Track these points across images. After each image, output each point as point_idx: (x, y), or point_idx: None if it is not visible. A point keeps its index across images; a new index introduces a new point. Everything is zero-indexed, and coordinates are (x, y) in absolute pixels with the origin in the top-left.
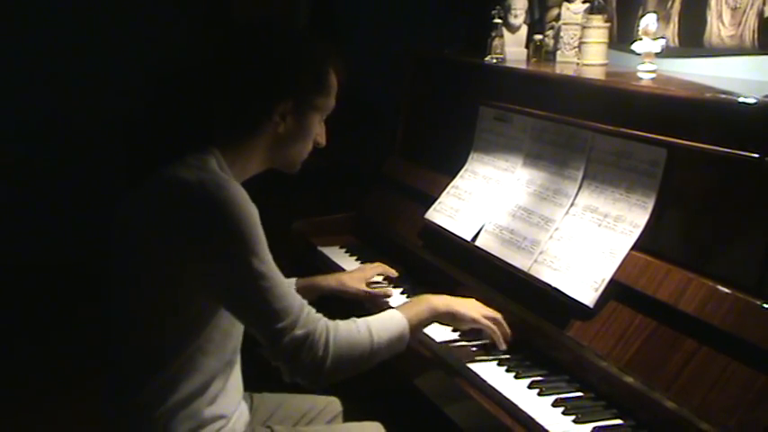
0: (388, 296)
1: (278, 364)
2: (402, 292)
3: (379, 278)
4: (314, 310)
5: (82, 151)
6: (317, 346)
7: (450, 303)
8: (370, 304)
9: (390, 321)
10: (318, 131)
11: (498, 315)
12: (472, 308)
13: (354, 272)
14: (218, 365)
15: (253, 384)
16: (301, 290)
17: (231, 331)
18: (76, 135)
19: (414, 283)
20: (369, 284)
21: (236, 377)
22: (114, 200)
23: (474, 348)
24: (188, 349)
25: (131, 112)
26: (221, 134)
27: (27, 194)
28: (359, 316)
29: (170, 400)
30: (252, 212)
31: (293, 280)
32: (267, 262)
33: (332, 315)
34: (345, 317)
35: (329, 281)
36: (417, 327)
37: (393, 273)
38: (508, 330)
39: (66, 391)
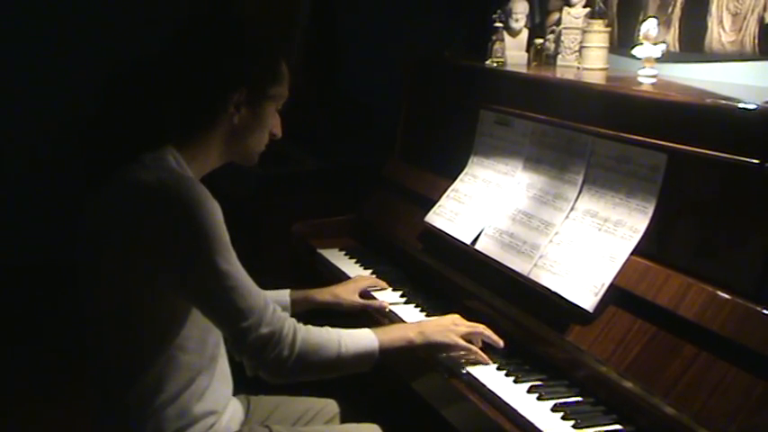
0: (384, 308)
1: (242, 359)
2: (401, 296)
3: (373, 289)
4: (280, 309)
5: (62, 148)
6: (283, 344)
7: (427, 335)
8: (368, 314)
9: (362, 338)
10: (274, 122)
11: (479, 327)
12: (450, 332)
13: (347, 284)
14: (201, 362)
15: (249, 387)
16: (295, 302)
17: (210, 326)
18: (60, 134)
19: (413, 287)
20: (362, 296)
21: (222, 371)
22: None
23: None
24: (168, 349)
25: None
26: (176, 131)
27: (7, 194)
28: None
29: (157, 400)
30: (214, 210)
31: (287, 291)
32: (230, 261)
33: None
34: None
35: (323, 294)
36: (389, 351)
37: (383, 285)
38: (497, 338)
39: (54, 391)
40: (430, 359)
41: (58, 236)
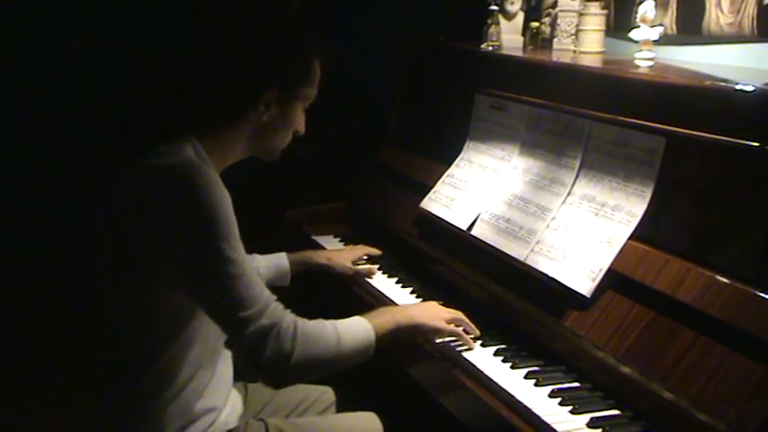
0: (372, 274)
1: (241, 358)
2: (397, 282)
3: (365, 258)
4: (281, 305)
5: (63, 137)
6: (284, 337)
7: (412, 316)
8: (358, 296)
9: (357, 327)
10: (299, 120)
11: (459, 315)
12: (434, 316)
13: (342, 251)
14: (204, 354)
15: (246, 374)
16: (292, 263)
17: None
18: (58, 121)
19: (409, 273)
20: (354, 263)
21: (224, 367)
22: (97, 186)
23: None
24: (176, 342)
25: (108, 97)
26: (201, 121)
27: (9, 183)
28: (347, 295)
29: (160, 396)
30: (223, 197)
31: (284, 254)
32: (237, 249)
33: (321, 294)
34: (336, 294)
35: (318, 257)
36: (382, 338)
37: (376, 251)
38: (474, 327)
39: (50, 387)
40: (427, 345)
41: (53, 225)
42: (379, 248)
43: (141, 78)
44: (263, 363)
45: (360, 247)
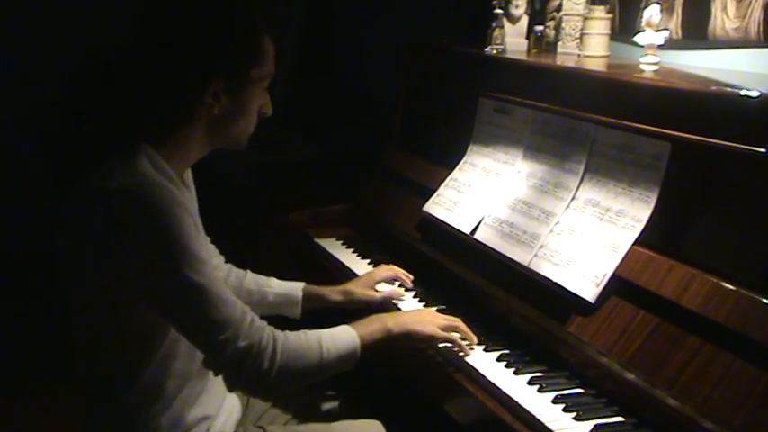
0: (401, 298)
1: (219, 374)
2: (399, 285)
3: (387, 283)
4: (258, 318)
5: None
6: (262, 357)
7: (405, 324)
8: (383, 308)
9: (342, 337)
10: (263, 101)
11: (456, 321)
12: (428, 323)
13: (362, 278)
14: (192, 366)
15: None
16: (307, 297)
17: None
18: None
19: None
20: (375, 287)
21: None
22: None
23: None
24: (158, 356)
25: (51, 111)
26: (151, 127)
27: None
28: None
29: (150, 409)
30: (181, 218)
31: (300, 285)
32: (202, 271)
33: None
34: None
35: (335, 295)
36: (370, 346)
37: (407, 278)
38: (471, 334)
39: (40, 394)
40: (430, 349)
41: (38, 226)
42: (381, 250)
43: (82, 86)
44: (243, 381)
45: (389, 267)
